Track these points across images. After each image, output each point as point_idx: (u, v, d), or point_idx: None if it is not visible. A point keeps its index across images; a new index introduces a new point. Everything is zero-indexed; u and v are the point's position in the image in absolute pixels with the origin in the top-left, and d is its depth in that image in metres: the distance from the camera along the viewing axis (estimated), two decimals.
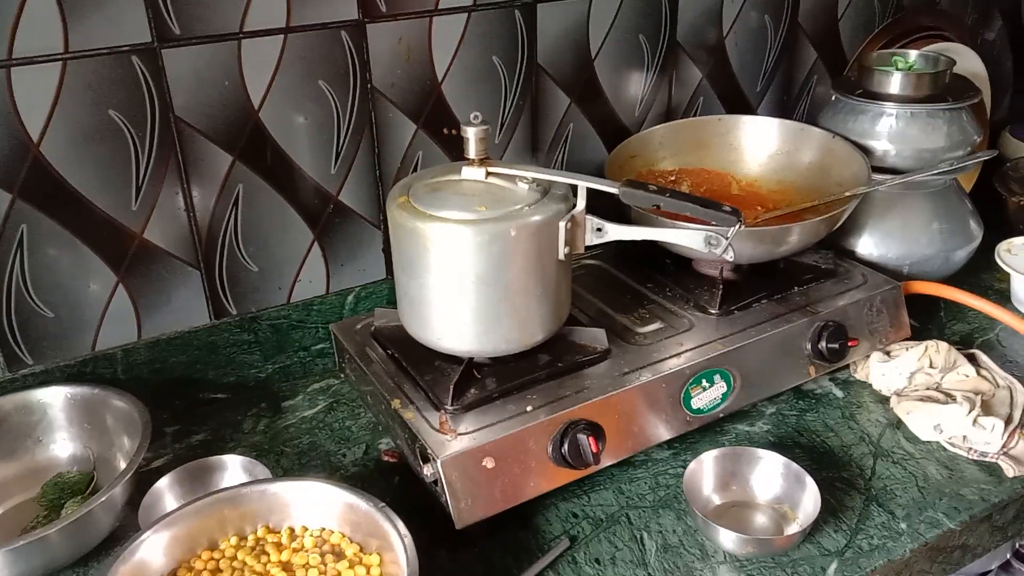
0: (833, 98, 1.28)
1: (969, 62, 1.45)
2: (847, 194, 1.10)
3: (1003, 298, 1.28)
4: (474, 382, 0.93)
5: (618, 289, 1.14)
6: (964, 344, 1.17)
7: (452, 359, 0.95)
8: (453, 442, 0.85)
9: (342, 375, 1.13)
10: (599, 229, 0.91)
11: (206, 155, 1.01)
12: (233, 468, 0.95)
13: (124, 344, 1.05)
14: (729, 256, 0.89)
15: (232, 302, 1.10)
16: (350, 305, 1.17)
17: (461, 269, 0.87)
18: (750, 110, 1.40)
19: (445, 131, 1.14)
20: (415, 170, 1.14)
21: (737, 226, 0.86)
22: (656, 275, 1.15)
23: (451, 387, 0.90)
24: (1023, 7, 1.69)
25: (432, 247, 0.87)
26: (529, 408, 0.90)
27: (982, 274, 1.33)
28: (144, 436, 0.90)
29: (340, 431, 1.06)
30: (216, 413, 1.10)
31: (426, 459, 0.85)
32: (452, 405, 0.89)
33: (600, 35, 1.20)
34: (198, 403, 1.11)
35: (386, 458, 1.01)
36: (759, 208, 1.21)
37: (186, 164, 1.00)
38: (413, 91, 1.10)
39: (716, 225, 0.88)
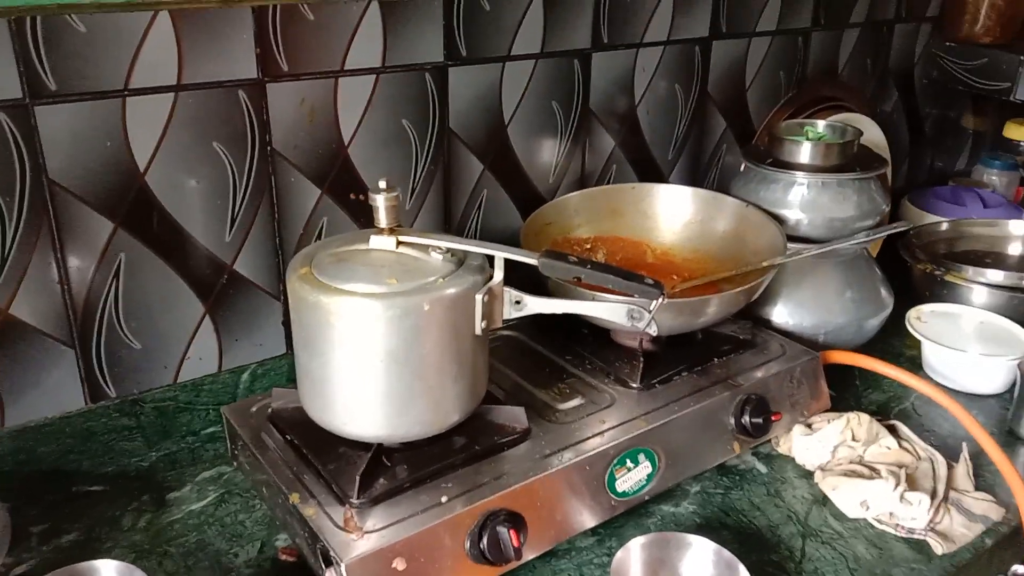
0: (744, 167, 1.28)
1: (870, 131, 1.48)
2: (764, 264, 1.09)
3: (914, 365, 1.29)
4: (383, 471, 0.85)
5: (536, 362, 1.09)
6: (881, 414, 1.16)
7: (359, 445, 0.87)
8: (359, 542, 0.77)
9: (235, 463, 1.03)
10: (518, 302, 0.86)
11: (84, 221, 0.91)
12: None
13: None
14: (652, 330, 0.85)
15: (111, 383, 0.99)
16: (245, 384, 1.08)
17: (370, 346, 0.80)
18: (662, 178, 1.39)
19: (352, 196, 1.07)
20: (319, 237, 1.07)
21: (660, 299, 0.82)
22: (575, 346, 1.10)
23: (357, 477, 0.82)
24: (915, 79, 1.76)
25: (337, 322, 0.80)
26: (444, 499, 0.82)
27: (893, 341, 1.34)
28: (3, 538, 0.79)
29: (232, 526, 0.95)
30: (91, 508, 0.98)
31: (328, 562, 0.77)
32: (358, 498, 0.81)
33: (513, 100, 1.17)
34: (71, 497, 0.99)
35: (284, 557, 0.91)
36: (675, 277, 1.19)
37: (60, 231, 0.90)
38: (317, 154, 1.03)
39: (638, 297, 0.84)
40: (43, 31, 0.83)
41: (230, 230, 1.00)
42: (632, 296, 0.84)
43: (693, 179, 1.43)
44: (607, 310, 0.85)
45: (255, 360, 1.08)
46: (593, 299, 0.96)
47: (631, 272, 0.83)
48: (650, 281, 0.82)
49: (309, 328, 0.83)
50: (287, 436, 0.93)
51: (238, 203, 1.00)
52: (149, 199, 0.94)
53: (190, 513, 0.97)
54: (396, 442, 0.87)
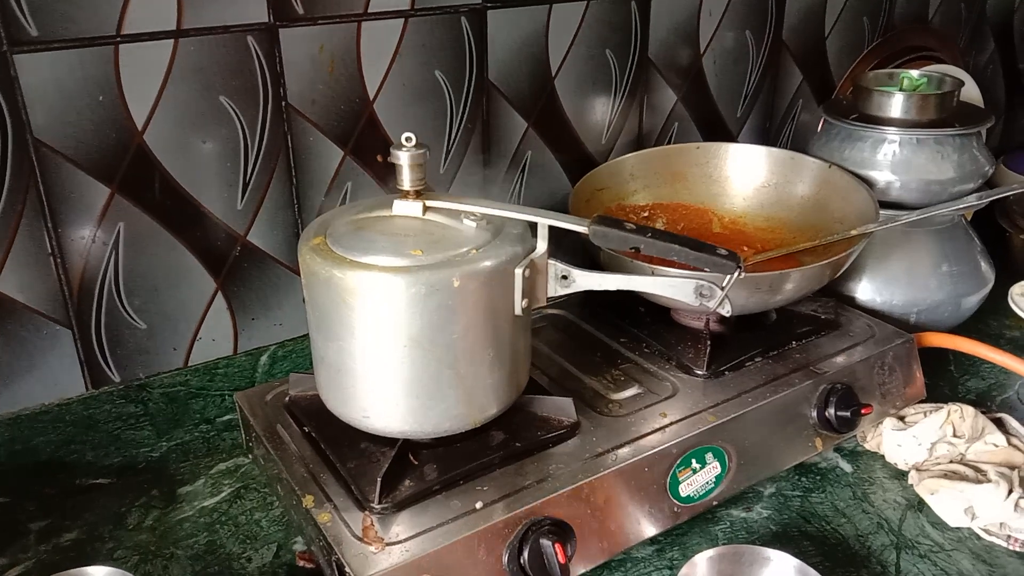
0: (823, 123, 1.13)
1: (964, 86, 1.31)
2: (854, 233, 0.94)
3: (1017, 348, 1.13)
4: (409, 470, 0.74)
5: (586, 345, 0.96)
6: (981, 404, 1.01)
7: (384, 440, 0.76)
8: (379, 555, 0.66)
9: (250, 456, 0.93)
10: (564, 277, 0.74)
11: (76, 186, 0.81)
12: None
13: None
14: (725, 310, 0.72)
15: (114, 367, 0.89)
16: (264, 367, 0.97)
17: (391, 329, 0.69)
18: (730, 137, 1.25)
19: (379, 158, 0.95)
20: (343, 204, 0.96)
21: (736, 273, 0.69)
22: (630, 327, 0.97)
23: (379, 479, 0.71)
24: (1015, 29, 1.57)
25: (354, 302, 0.68)
26: (479, 504, 0.71)
27: (990, 320, 1.19)
28: None
29: (247, 526, 0.85)
30: (94, 503, 0.89)
31: None
32: (380, 503, 0.70)
33: (561, 49, 1.04)
34: (73, 491, 0.90)
35: (302, 563, 0.80)
36: (746, 248, 1.05)
37: (49, 197, 0.80)
38: (339, 110, 0.91)
39: (708, 272, 0.70)
40: None
41: (242, 196, 0.89)
42: (701, 270, 0.71)
43: (764, 138, 1.28)
44: (671, 287, 0.72)
45: (275, 341, 0.97)
46: (653, 274, 0.83)
47: (700, 241, 0.70)
48: (723, 252, 0.69)
49: (323, 308, 0.72)
50: (304, 428, 0.82)
51: (250, 165, 0.89)
52: (149, 161, 0.83)
53: (202, 510, 0.88)
54: (424, 437, 0.75)
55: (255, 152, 0.88)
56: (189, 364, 0.93)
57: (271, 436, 0.82)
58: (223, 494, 0.90)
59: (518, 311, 0.72)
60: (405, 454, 0.75)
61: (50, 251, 0.82)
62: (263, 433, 0.83)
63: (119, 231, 0.84)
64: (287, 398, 0.87)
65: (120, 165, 0.82)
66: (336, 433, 0.78)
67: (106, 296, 0.86)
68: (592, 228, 0.70)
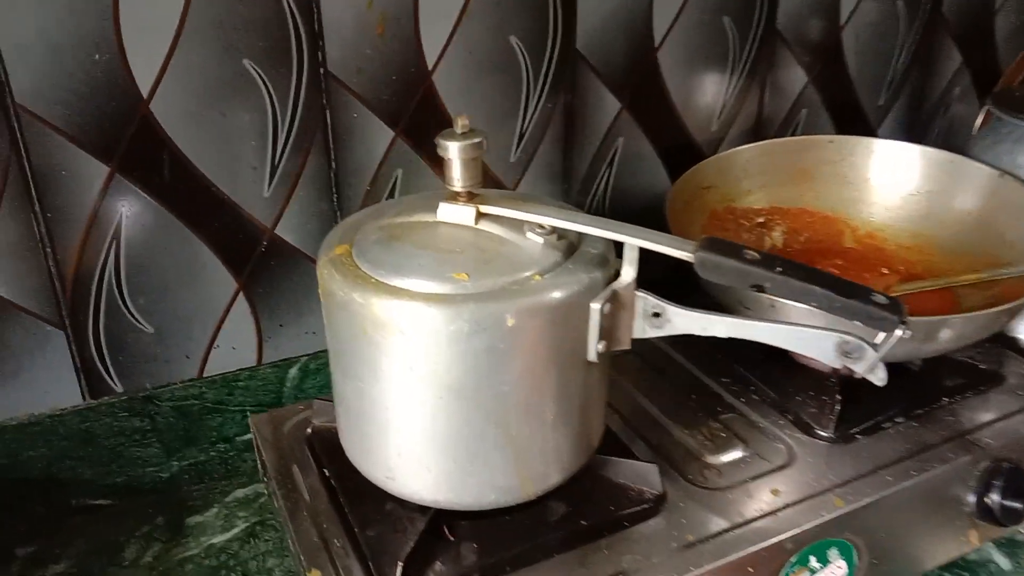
0: (989, 118, 0.91)
1: None
2: None
3: None
4: (442, 549, 0.58)
5: (677, 382, 0.78)
6: None
7: (412, 505, 0.60)
8: None
9: (266, 491, 0.79)
10: (657, 315, 0.56)
11: (68, 163, 0.67)
12: None
13: None
14: (877, 378, 0.53)
15: (116, 375, 0.76)
16: (293, 382, 0.83)
17: (423, 375, 0.52)
18: (869, 130, 1.03)
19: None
20: (392, 195, 0.80)
21: (898, 331, 0.50)
22: (735, 364, 0.79)
23: (401, 561, 0.55)
24: None
25: (378, 336, 0.52)
26: None
27: None
28: None
29: (259, 574, 0.72)
30: (90, 528, 0.77)
31: None
32: None
33: (669, 14, 0.85)
34: (68, 512, 0.78)
35: None
36: (884, 271, 0.84)
37: (35, 176, 0.66)
38: (390, 81, 0.75)
39: (861, 322, 0.51)
40: None
41: (270, 182, 0.74)
42: (851, 319, 0.52)
43: (910, 133, 1.06)
44: (801, 340, 0.53)
45: (306, 352, 0.83)
46: (772, 307, 0.64)
47: (849, 283, 0.51)
48: (881, 299, 0.50)
49: (341, 337, 0.56)
50: (324, 470, 0.67)
51: (280, 145, 0.73)
52: (157, 135, 0.69)
53: (209, 549, 0.75)
54: (463, 508, 0.59)
55: (286, 129, 0.73)
56: (204, 375, 0.79)
57: (283, 479, 0.68)
58: (236, 529, 0.77)
59: (592, 356, 0.55)
60: (438, 526, 0.59)
61: (38, 238, 0.69)
62: (275, 474, 0.68)
63: (121, 218, 0.70)
64: (309, 428, 0.72)
65: (121, 140, 0.68)
66: (360, 484, 0.62)
67: (105, 293, 0.72)
68: (700, 255, 0.52)
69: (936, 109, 1.08)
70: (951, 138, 1.09)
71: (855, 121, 1.02)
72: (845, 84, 0.99)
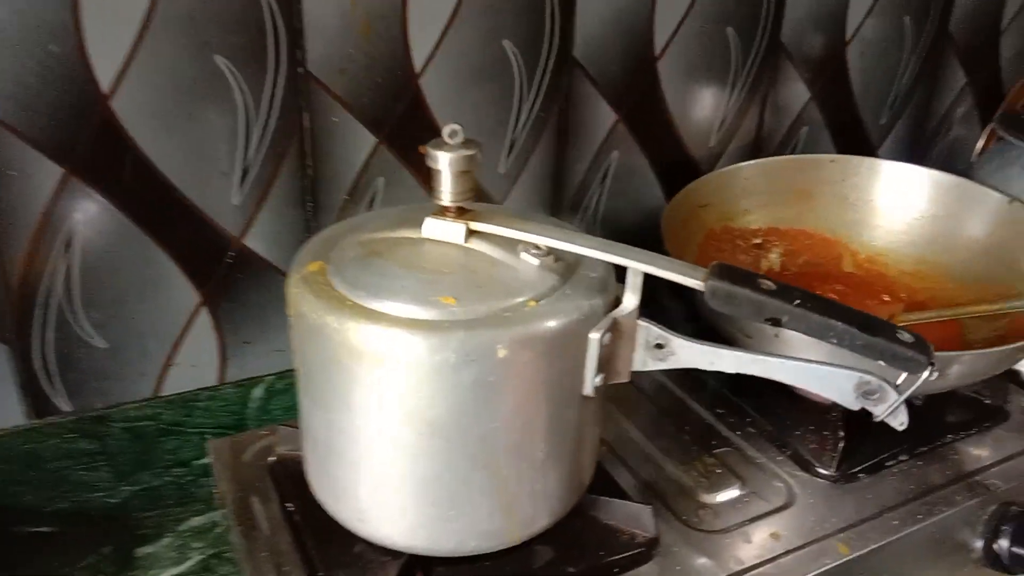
0: (994, 140, 0.88)
1: None
2: None
3: None
4: None
5: (670, 412, 0.74)
6: None
7: (383, 549, 0.54)
8: None
9: (225, 523, 0.73)
10: (660, 346, 0.51)
11: (17, 162, 0.61)
12: None
13: None
14: (898, 422, 0.48)
15: (64, 393, 0.70)
16: (256, 403, 0.77)
17: (402, 410, 0.47)
18: (870, 149, 1.00)
19: (423, 149, 0.73)
20: (372, 206, 0.75)
21: (926, 373, 0.46)
22: (731, 395, 0.74)
23: None
24: None
25: (352, 364, 0.47)
26: None
27: None
28: None
29: None
30: (34, 557, 0.70)
31: None
32: None
33: (671, 22, 0.80)
34: (8, 539, 0.72)
35: None
36: (887, 299, 0.81)
37: None
38: (374, 84, 0.70)
39: (885, 362, 0.47)
40: None
41: (240, 188, 0.69)
42: (874, 358, 0.47)
43: (911, 153, 1.03)
44: (818, 379, 0.49)
45: (272, 371, 0.77)
46: (777, 337, 0.60)
47: (873, 318, 0.47)
48: (907, 338, 0.46)
49: (311, 363, 0.51)
50: (287, 505, 0.62)
51: (252, 149, 0.68)
52: (117, 135, 0.63)
53: None
54: (441, 555, 0.54)
55: (260, 132, 0.67)
56: (161, 394, 0.74)
57: (241, 512, 0.62)
58: (190, 562, 0.70)
59: (588, 391, 0.50)
60: (412, 572, 0.54)
61: None
62: (233, 506, 0.63)
63: (74, 223, 0.64)
64: (272, 457, 0.66)
65: (78, 139, 0.62)
66: (326, 521, 0.57)
67: (55, 306, 0.66)
68: (711, 284, 0.47)
69: (939, 129, 1.05)
70: (952, 159, 1.06)
71: (856, 140, 0.98)
72: (848, 101, 0.96)
